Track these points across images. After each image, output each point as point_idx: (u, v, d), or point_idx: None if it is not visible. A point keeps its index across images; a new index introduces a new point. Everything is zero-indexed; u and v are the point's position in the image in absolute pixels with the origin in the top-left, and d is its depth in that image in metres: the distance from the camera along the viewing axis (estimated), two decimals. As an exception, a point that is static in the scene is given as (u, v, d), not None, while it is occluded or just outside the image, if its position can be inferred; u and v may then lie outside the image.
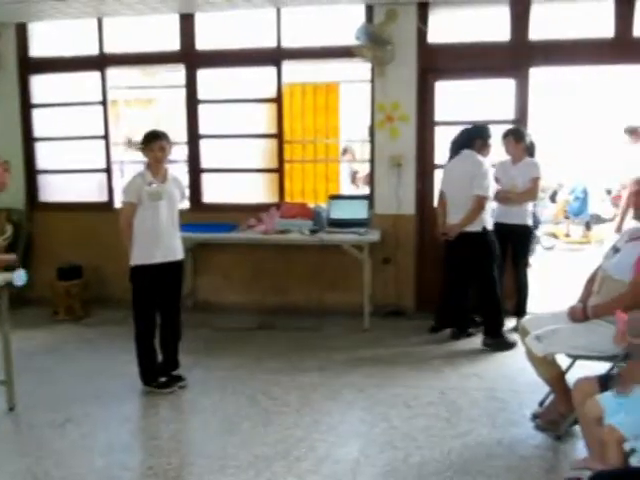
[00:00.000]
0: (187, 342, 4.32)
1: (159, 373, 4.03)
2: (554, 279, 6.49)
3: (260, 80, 5.77)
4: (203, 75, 5.85)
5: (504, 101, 5.50)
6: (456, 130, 5.05)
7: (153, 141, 3.87)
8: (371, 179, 5.70)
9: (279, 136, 5.77)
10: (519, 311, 5.07)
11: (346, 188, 7.23)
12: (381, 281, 5.61)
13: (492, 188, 4.77)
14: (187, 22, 5.77)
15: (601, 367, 3.12)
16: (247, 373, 4.27)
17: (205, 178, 5.98)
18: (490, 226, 4.76)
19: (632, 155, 7.30)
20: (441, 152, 5.33)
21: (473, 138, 4.75)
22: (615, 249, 3.29)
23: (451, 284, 4.94)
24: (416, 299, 5.64)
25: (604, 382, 2.65)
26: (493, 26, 5.36)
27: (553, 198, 8.88)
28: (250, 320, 5.43)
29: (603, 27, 5.19)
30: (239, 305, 5.77)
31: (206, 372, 4.30)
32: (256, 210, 5.63)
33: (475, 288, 4.86)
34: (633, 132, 7.33)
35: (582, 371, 3.06)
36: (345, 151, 7.44)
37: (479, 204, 4.63)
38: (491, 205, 4.83)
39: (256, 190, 5.90)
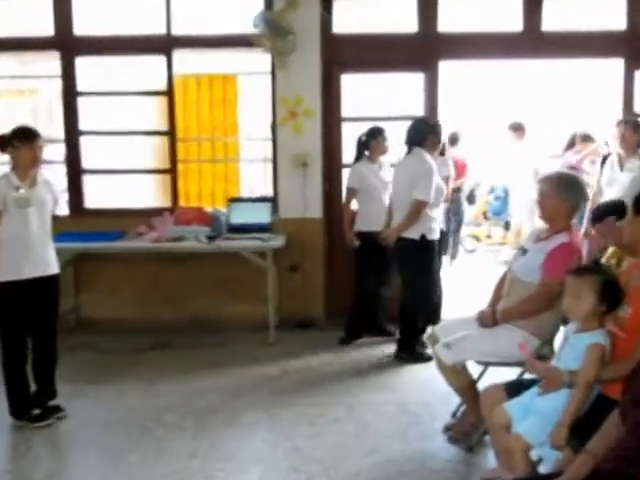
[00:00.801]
0: (66, 368, 4.17)
1: (32, 404, 3.86)
2: (476, 283, 6.73)
3: (148, 71, 5.67)
4: (82, 64, 5.67)
5: (413, 96, 5.70)
6: (364, 127, 5.20)
7: (33, 139, 3.70)
8: (274, 180, 5.73)
9: (171, 133, 5.68)
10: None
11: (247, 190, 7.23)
12: (288, 291, 5.64)
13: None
14: (62, 3, 5.57)
15: (514, 373, 3.27)
16: (137, 399, 4.18)
17: (87, 180, 5.80)
18: (433, 235, 4.77)
19: (516, 153, 7.78)
20: (349, 150, 5.44)
21: (425, 134, 4.75)
22: (523, 250, 3.48)
23: (371, 292, 5.11)
24: (326, 309, 5.71)
25: (512, 389, 2.78)
26: (401, 17, 5.54)
27: (470, 199, 9.27)
28: (142, 339, 5.30)
29: (512, 20, 5.49)
30: (129, 323, 5.63)
31: (88, 401, 4.16)
32: (146, 215, 5.51)
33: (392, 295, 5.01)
34: (517, 129, 7.81)
35: (494, 379, 3.19)
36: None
37: (417, 209, 4.62)
38: (433, 212, 4.78)
39: (146, 193, 5.79)
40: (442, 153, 5.28)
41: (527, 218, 7.85)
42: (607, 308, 2.46)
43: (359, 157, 5.20)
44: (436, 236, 4.84)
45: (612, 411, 2.07)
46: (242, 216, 5.53)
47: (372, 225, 5.09)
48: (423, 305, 4.84)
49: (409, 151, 4.77)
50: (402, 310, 4.91)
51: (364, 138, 5.15)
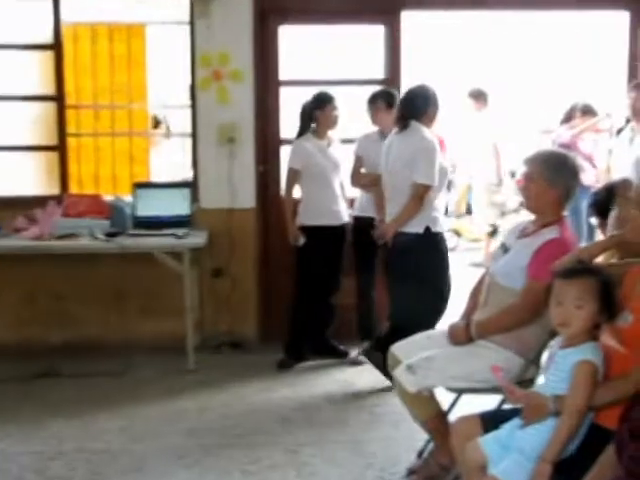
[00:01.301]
0: None
1: None
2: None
3: (29, 18, 5.58)
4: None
5: (371, 56, 5.78)
6: (308, 93, 5.24)
7: None
8: (193, 160, 5.72)
9: (59, 98, 5.63)
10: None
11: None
12: (211, 302, 5.66)
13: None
14: None
15: (494, 401, 3.34)
16: (15, 444, 4.12)
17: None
18: (440, 227, 4.76)
19: (477, 124, 7.99)
20: (290, 122, 5.48)
21: (425, 105, 4.75)
22: (504, 248, 3.57)
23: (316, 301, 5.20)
24: (260, 325, 5.75)
25: (489, 421, 2.85)
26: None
27: (448, 185, 9.45)
28: (21, 367, 5.23)
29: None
30: (5, 345, 5.54)
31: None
32: (26, 206, 5.44)
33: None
34: (478, 96, 8.02)
35: (471, 409, 3.25)
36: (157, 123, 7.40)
37: (419, 195, 4.61)
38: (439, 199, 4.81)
39: (26, 177, 5.70)
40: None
41: (483, 206, 8.05)
42: (607, 317, 2.54)
43: (303, 131, 5.24)
44: (444, 228, 4.89)
45: (606, 445, 2.14)
46: (152, 206, 5.51)
47: (319, 217, 5.16)
48: (426, 321, 4.40)
49: (404, 126, 4.75)
50: (393, 331, 4.55)
51: (309, 107, 5.19)
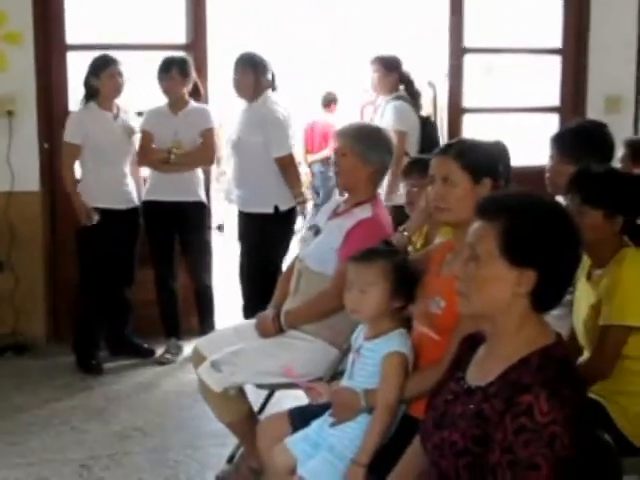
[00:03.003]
0: None
1: None
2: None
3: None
4: None
5: (173, 19, 5.69)
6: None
7: None
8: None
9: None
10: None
11: None
12: (-10, 300, 5.42)
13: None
14: None
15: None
16: None
17: None
18: (285, 204, 5.12)
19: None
20: (76, 90, 5.32)
21: (263, 72, 5.05)
22: (315, 230, 3.60)
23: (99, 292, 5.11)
24: (49, 325, 5.60)
25: (299, 418, 2.86)
26: None
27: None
28: None
29: None
30: None
31: None
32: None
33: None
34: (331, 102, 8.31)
35: (286, 406, 3.27)
36: None
37: (289, 167, 5.12)
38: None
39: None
40: (198, 96, 5.30)
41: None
42: (402, 303, 2.61)
43: (86, 101, 5.11)
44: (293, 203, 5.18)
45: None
46: None
47: (99, 199, 5.03)
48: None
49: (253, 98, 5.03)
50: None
51: (86, 74, 5.07)
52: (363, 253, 2.69)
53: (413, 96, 5.65)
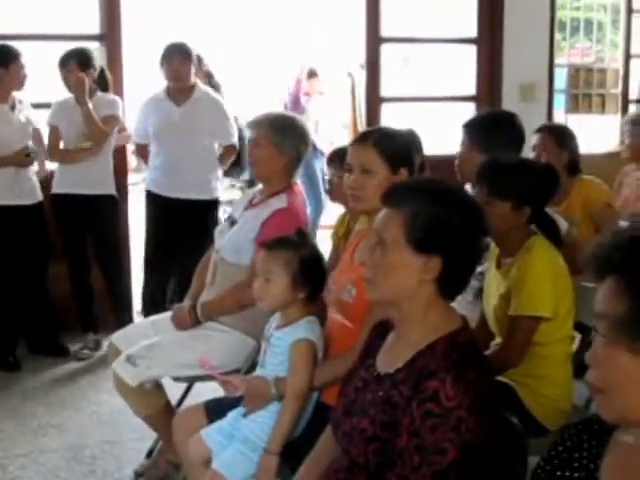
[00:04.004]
0: None
1: None
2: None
3: None
4: None
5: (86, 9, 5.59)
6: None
7: None
8: None
9: None
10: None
11: None
12: None
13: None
14: None
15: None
16: None
17: None
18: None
19: None
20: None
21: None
22: (231, 221, 3.58)
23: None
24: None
25: (215, 410, 2.85)
26: None
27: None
28: None
29: None
30: None
31: None
32: None
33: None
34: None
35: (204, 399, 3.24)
36: None
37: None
38: None
39: None
40: (104, 89, 5.22)
41: None
42: (307, 293, 2.63)
43: None
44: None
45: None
46: None
47: (3, 196, 4.87)
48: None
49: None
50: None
51: None
52: (271, 242, 2.70)
53: (215, 88, 5.94)
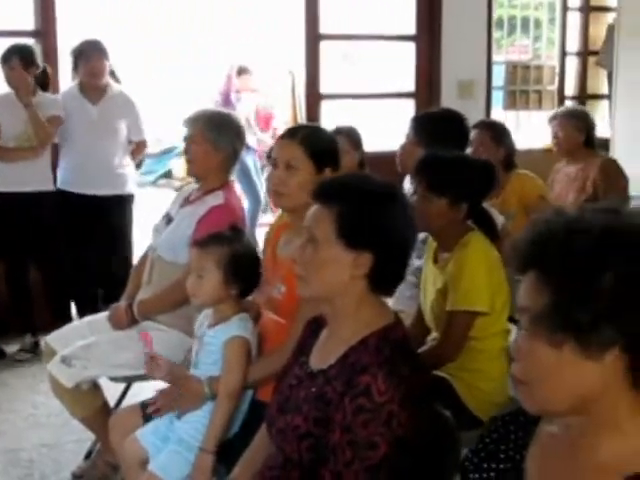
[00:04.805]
0: None
1: None
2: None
3: None
4: None
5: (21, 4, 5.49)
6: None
7: None
8: None
9: None
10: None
11: None
12: None
13: None
14: None
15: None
16: None
17: None
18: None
19: None
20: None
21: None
22: (168, 219, 3.55)
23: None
24: None
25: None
26: None
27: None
28: None
29: None
30: None
31: None
32: None
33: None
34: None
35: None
36: None
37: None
38: None
39: None
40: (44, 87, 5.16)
41: None
42: (240, 289, 2.62)
43: None
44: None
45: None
46: None
47: None
48: None
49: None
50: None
51: None
52: (204, 239, 2.69)
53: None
